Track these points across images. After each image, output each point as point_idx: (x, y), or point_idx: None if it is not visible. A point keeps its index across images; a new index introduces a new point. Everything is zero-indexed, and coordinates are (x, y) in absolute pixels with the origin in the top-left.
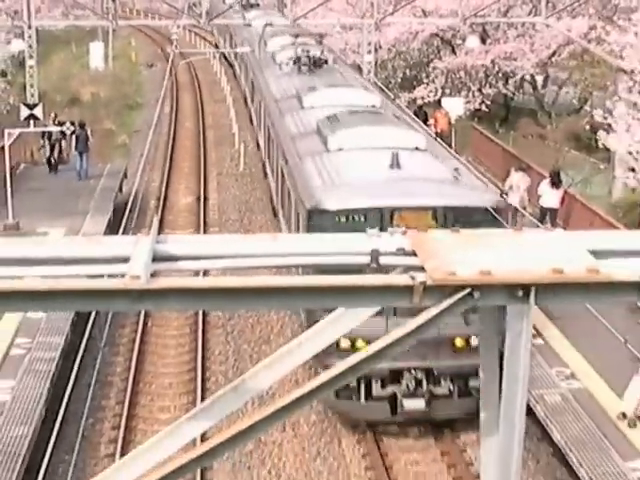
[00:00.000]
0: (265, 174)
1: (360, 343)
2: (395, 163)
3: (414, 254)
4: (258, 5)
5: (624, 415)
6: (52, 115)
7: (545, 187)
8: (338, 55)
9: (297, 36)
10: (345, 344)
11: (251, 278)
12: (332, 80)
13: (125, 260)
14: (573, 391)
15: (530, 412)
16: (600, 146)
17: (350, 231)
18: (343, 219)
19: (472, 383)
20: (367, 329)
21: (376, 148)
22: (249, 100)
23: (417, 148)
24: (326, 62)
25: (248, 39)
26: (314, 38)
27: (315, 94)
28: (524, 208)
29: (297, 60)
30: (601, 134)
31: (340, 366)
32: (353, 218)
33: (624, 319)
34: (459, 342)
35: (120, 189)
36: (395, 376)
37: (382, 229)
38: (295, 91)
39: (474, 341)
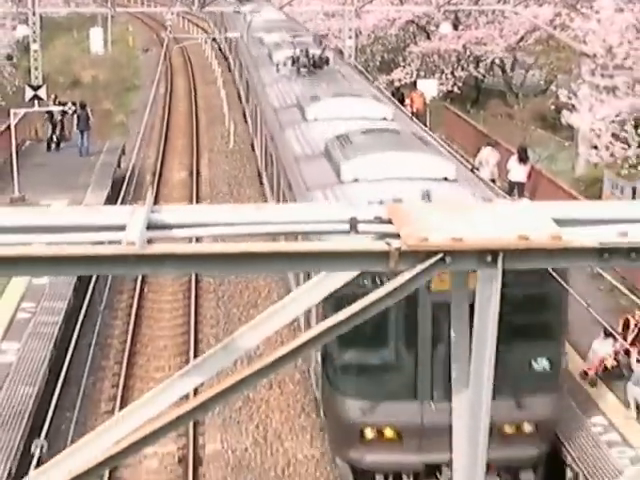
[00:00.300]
0: (261, 182)
1: (389, 432)
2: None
3: (390, 222)
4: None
5: (585, 374)
6: (52, 96)
7: (513, 163)
8: (331, 47)
9: (295, 35)
10: (371, 434)
11: (239, 244)
12: (337, 86)
13: (122, 228)
14: None
15: None
16: (564, 125)
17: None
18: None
19: (524, 477)
20: (398, 418)
21: (399, 179)
22: (244, 100)
23: (446, 179)
24: (327, 62)
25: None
26: (312, 35)
27: (319, 105)
28: (493, 181)
29: (296, 60)
30: (565, 114)
31: (319, 327)
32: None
33: (586, 285)
34: (508, 429)
35: (118, 165)
36: (431, 471)
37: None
38: (296, 99)
39: (527, 427)
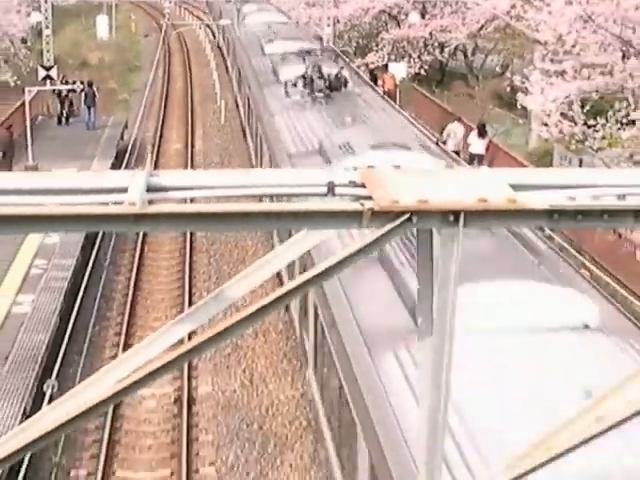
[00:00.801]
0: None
1: None
2: None
3: (363, 186)
4: None
5: None
6: (61, 76)
7: (473, 137)
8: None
9: (304, 49)
10: None
11: (228, 205)
12: (370, 127)
13: (124, 190)
14: None
15: None
16: (519, 105)
17: None
18: None
19: None
20: None
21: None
22: (245, 121)
23: (587, 326)
24: (346, 84)
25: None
26: (323, 45)
27: (355, 159)
28: (458, 153)
29: (309, 82)
30: (520, 95)
31: (297, 280)
32: None
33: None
34: None
35: (122, 137)
36: None
37: None
38: (319, 145)
39: None
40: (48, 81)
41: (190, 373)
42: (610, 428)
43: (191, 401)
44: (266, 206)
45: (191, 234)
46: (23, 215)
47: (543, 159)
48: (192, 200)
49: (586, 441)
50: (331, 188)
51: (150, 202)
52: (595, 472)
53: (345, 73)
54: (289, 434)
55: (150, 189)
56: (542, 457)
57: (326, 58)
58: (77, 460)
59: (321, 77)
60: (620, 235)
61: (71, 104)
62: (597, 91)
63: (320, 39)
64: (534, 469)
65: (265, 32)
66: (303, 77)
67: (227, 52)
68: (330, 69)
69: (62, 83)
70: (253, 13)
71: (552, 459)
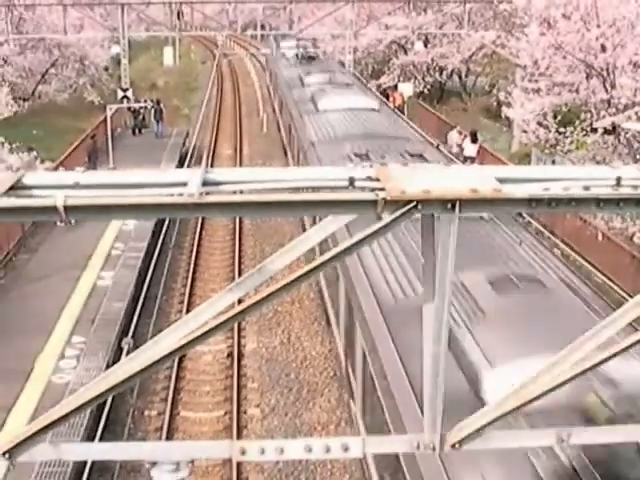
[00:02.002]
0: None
1: None
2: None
3: (378, 180)
4: (315, 58)
5: None
6: (134, 96)
7: (467, 143)
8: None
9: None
10: None
11: (269, 195)
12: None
13: (185, 184)
14: None
15: None
16: (503, 116)
17: None
18: None
19: None
20: None
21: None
22: (287, 146)
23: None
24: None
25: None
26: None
27: None
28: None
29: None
30: (504, 108)
31: (325, 256)
32: None
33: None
34: None
35: (184, 144)
36: None
37: None
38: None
39: None
40: (125, 100)
41: (240, 333)
42: (587, 370)
43: (240, 356)
44: (300, 196)
45: (240, 221)
46: (106, 205)
47: (523, 160)
48: (240, 192)
49: (565, 382)
50: (352, 182)
51: (206, 194)
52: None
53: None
54: (319, 382)
55: (206, 183)
56: (527, 396)
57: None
58: (149, 403)
59: None
60: (585, 221)
61: (143, 118)
62: (566, 105)
63: (342, 64)
64: (520, 407)
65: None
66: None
67: (269, 79)
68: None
69: (136, 102)
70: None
71: (535, 398)
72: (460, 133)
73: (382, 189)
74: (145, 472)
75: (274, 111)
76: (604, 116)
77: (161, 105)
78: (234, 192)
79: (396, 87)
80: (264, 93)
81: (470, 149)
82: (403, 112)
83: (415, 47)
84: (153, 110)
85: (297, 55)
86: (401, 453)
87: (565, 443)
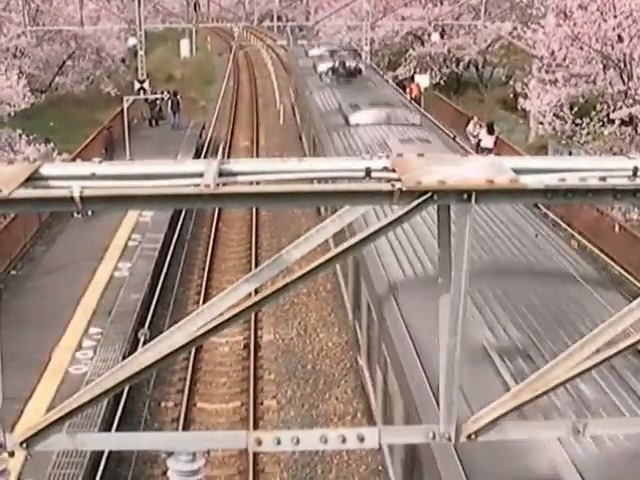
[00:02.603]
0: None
1: None
2: None
3: (394, 170)
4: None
5: None
6: (151, 88)
7: (483, 134)
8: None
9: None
10: None
11: (285, 186)
12: None
13: (201, 175)
14: None
15: None
16: (520, 108)
17: None
18: None
19: None
20: None
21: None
22: (291, 84)
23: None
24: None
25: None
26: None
27: None
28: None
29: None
30: (520, 100)
31: (341, 246)
32: None
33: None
34: None
35: (200, 136)
36: None
37: None
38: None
39: None
40: (142, 92)
41: (256, 325)
42: (602, 362)
43: (257, 347)
44: (316, 187)
45: (256, 213)
46: (123, 195)
47: (540, 152)
48: (256, 183)
49: (580, 374)
50: (368, 173)
51: (222, 184)
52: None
53: None
54: (336, 373)
55: (222, 174)
56: (542, 387)
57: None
58: (166, 394)
59: None
60: (602, 212)
61: (160, 110)
62: (583, 96)
63: (360, 56)
64: (535, 398)
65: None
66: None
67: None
68: None
69: (152, 93)
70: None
71: (551, 389)
72: (476, 124)
73: (398, 180)
74: (162, 462)
75: (292, 107)
76: (621, 107)
77: (178, 96)
78: (250, 183)
79: (412, 79)
80: (280, 84)
81: (487, 140)
82: (420, 103)
83: (432, 38)
84: (170, 102)
85: (333, 69)
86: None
87: (581, 434)
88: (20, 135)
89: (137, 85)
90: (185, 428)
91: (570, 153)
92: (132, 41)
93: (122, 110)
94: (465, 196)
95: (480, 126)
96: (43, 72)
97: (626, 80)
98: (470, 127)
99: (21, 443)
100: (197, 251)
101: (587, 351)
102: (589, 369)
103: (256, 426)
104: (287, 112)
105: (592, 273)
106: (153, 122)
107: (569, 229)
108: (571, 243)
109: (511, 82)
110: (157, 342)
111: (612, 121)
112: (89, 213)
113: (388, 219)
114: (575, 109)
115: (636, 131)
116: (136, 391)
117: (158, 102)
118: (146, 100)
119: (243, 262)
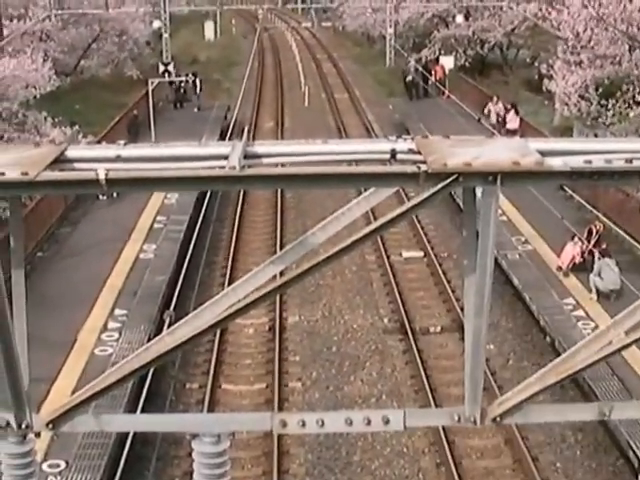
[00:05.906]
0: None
1: None
2: None
3: (419, 153)
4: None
5: (560, 268)
6: (175, 70)
7: (510, 115)
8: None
9: None
10: None
11: (310, 167)
12: None
13: (226, 157)
14: (526, 251)
15: (497, 265)
16: (544, 89)
17: None
18: None
19: None
20: None
21: None
22: None
23: None
24: None
25: None
26: None
27: None
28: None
29: None
30: (545, 81)
31: (368, 228)
32: None
33: (561, 204)
34: None
35: (225, 117)
36: None
37: None
38: None
39: None
40: (166, 74)
41: (281, 307)
42: (628, 345)
43: (282, 329)
44: (341, 169)
45: (281, 195)
46: (148, 178)
47: (565, 134)
48: (282, 165)
49: (607, 357)
50: (393, 155)
51: (247, 166)
52: None
53: None
54: (360, 355)
55: (247, 156)
56: (567, 370)
57: None
58: (191, 376)
59: None
60: (628, 194)
61: (185, 92)
62: (608, 77)
63: (384, 38)
64: (561, 381)
65: None
66: None
67: None
68: None
69: (177, 76)
70: None
71: (577, 372)
72: (496, 104)
73: (423, 162)
74: (186, 444)
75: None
76: None
77: (197, 78)
78: (275, 165)
79: (437, 60)
80: (305, 66)
81: (513, 122)
82: (444, 85)
83: (456, 20)
84: (192, 82)
85: None
86: None
87: (607, 417)
88: (45, 118)
89: (162, 68)
90: (210, 410)
91: (596, 135)
92: (157, 24)
93: (147, 93)
94: (490, 178)
95: (503, 107)
96: (68, 55)
97: None
98: (490, 106)
99: (47, 424)
100: (222, 233)
101: (614, 333)
102: (616, 351)
103: (281, 408)
104: (312, 95)
105: None
106: (177, 104)
107: (594, 211)
108: (596, 224)
109: (536, 64)
110: (183, 324)
111: (638, 103)
112: (114, 195)
113: (413, 201)
114: (600, 90)
115: None
116: (161, 373)
117: (182, 85)
118: (170, 83)
119: (268, 244)
